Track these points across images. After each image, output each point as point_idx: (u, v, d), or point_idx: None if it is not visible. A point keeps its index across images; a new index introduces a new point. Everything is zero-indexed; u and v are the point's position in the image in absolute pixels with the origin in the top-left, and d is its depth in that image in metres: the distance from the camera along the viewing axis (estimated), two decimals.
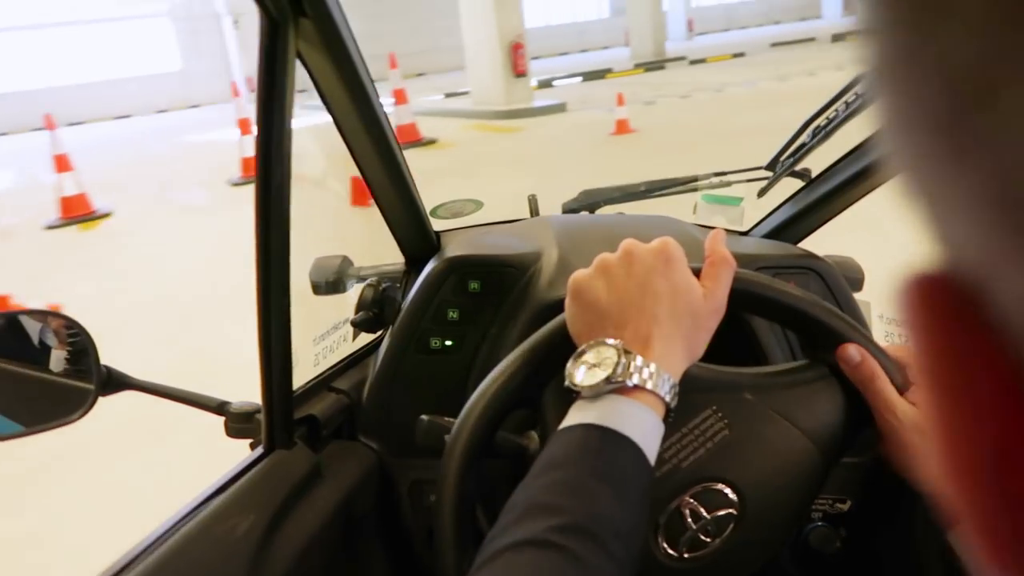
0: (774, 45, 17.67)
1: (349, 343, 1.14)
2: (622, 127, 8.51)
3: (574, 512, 0.51)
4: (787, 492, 0.68)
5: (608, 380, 0.58)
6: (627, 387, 0.58)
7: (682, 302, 0.62)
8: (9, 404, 0.90)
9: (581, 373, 0.59)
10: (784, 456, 0.68)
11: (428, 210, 1.16)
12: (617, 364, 0.58)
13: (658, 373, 0.58)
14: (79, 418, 0.86)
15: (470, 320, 1.01)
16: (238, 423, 0.90)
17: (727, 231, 1.19)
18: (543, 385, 0.71)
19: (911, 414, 0.66)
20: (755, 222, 1.22)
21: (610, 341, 0.60)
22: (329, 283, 1.16)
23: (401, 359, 1.01)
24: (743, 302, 0.70)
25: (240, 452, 0.88)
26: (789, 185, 1.17)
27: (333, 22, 0.76)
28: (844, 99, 1.02)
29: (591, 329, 0.62)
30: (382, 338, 1.07)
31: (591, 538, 0.50)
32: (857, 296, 1.09)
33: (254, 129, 0.74)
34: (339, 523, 0.87)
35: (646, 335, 0.60)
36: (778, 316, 0.73)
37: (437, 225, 1.18)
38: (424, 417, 0.76)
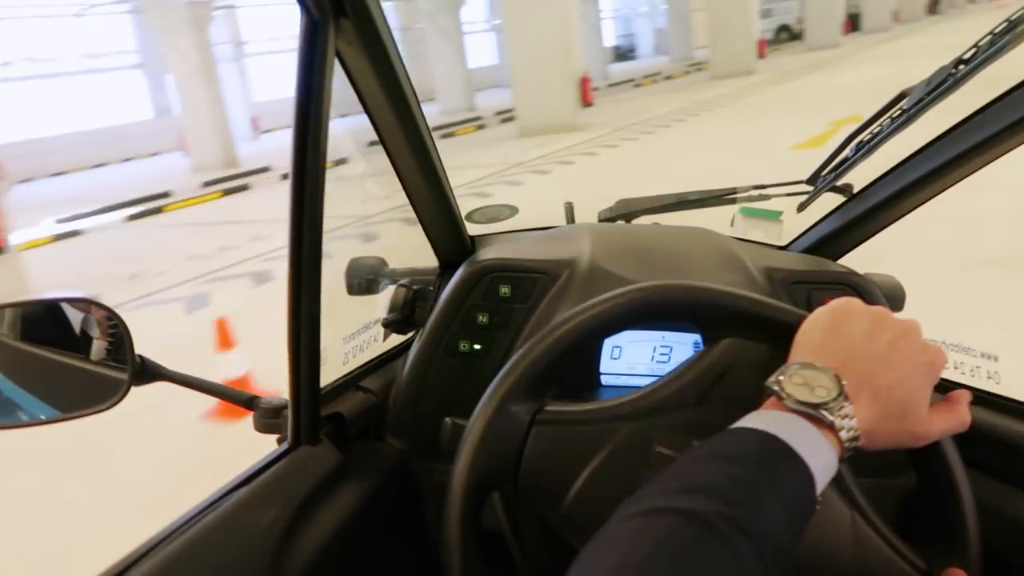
0: (372, 143, 15.57)
1: (380, 343, 1.15)
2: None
3: (743, 507, 0.50)
4: None
5: (817, 407, 0.58)
6: (825, 422, 0.57)
7: (913, 398, 0.61)
8: (45, 390, 0.93)
9: (794, 382, 0.59)
10: None
11: (464, 214, 1.16)
12: (835, 399, 0.58)
13: (855, 431, 0.58)
14: (112, 406, 0.87)
15: (500, 325, 1.01)
16: (266, 418, 0.91)
17: (764, 244, 1.18)
18: (558, 380, 0.70)
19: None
20: (794, 237, 1.19)
21: (840, 378, 0.59)
22: (363, 283, 1.17)
23: (430, 361, 1.02)
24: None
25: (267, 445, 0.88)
26: (830, 200, 1.14)
27: (373, 22, 0.76)
28: (889, 114, 0.99)
29: (828, 353, 0.62)
30: (412, 340, 1.08)
31: (753, 541, 0.49)
32: (898, 315, 1.07)
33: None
34: (362, 521, 0.87)
35: (870, 398, 0.60)
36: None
37: (472, 229, 1.19)
38: (449, 420, 0.76)
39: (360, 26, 0.75)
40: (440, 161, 1.01)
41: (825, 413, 0.57)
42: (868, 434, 0.59)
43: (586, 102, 13.28)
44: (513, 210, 1.32)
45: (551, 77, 12.74)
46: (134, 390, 0.87)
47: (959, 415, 0.64)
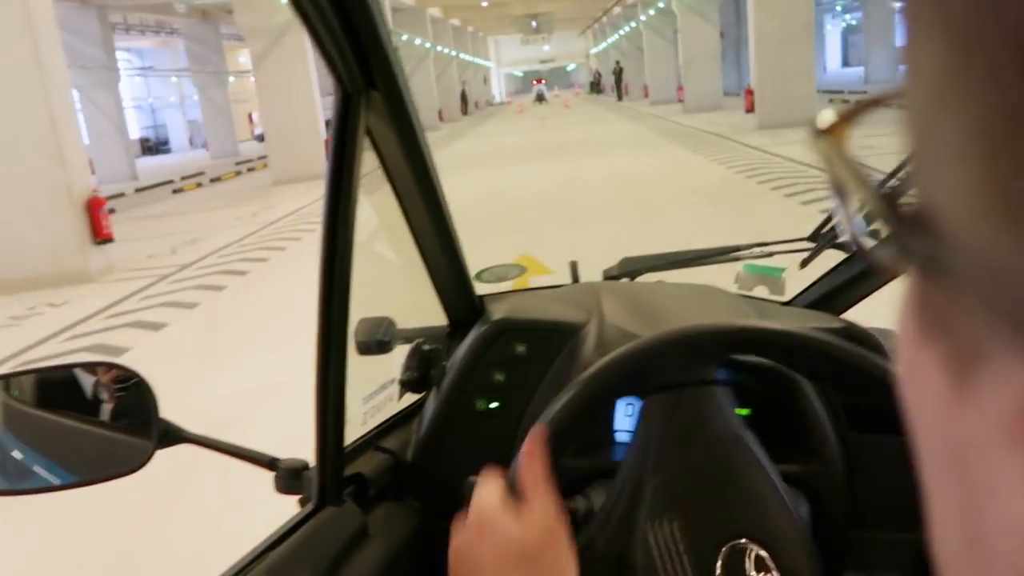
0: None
1: (395, 403, 1.16)
2: None
3: None
4: None
5: None
6: None
7: (509, 563, 0.61)
8: (65, 455, 0.92)
9: None
10: None
11: (473, 274, 1.19)
12: None
13: None
14: (136, 470, 0.87)
15: (517, 383, 1.02)
16: (287, 479, 0.91)
17: (769, 301, 1.20)
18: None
19: None
20: (797, 292, 1.23)
21: None
22: (373, 343, 1.18)
23: (448, 420, 1.02)
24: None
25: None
26: (832, 257, 1.18)
27: (400, 94, 0.80)
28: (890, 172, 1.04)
29: None
30: (426, 398, 1.09)
31: None
32: None
33: None
34: None
35: None
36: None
37: (480, 289, 1.21)
38: (471, 479, 0.77)
39: (388, 99, 0.79)
40: (453, 225, 1.04)
41: None
42: None
43: (100, 236, 8.12)
44: (521, 269, 1.35)
45: (31, 200, 7.65)
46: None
47: (526, 458, 0.65)
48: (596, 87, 49.40)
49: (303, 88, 14.87)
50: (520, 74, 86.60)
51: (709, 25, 22.05)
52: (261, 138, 26.46)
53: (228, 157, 23.97)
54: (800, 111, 14.29)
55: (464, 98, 36.42)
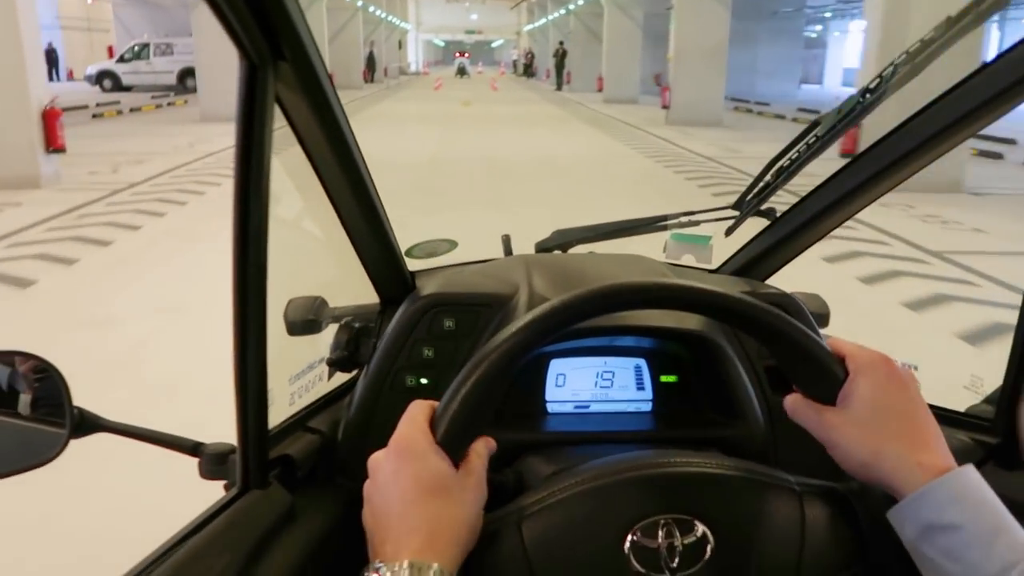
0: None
1: (324, 383, 1.14)
2: None
3: None
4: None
5: None
6: None
7: (427, 489, 0.66)
8: None
9: None
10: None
11: (403, 250, 1.17)
12: None
13: (415, 568, 0.61)
14: (50, 460, 0.84)
15: (446, 358, 1.02)
16: (213, 464, 0.90)
17: (696, 268, 1.22)
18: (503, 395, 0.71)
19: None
20: (723, 260, 1.25)
21: (377, 565, 0.62)
22: (304, 323, 1.16)
23: (377, 398, 1.02)
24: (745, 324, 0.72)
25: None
26: (756, 224, 1.20)
27: (311, 64, 0.77)
28: (805, 140, 1.06)
29: (372, 553, 0.67)
30: (357, 378, 1.08)
31: None
32: (823, 331, 1.12)
33: None
34: (315, 563, 0.86)
35: (396, 541, 0.64)
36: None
37: (412, 265, 1.20)
38: None
39: (298, 69, 0.76)
40: (379, 199, 1.02)
41: None
42: (434, 548, 0.63)
43: (54, 145, 8.81)
44: (452, 244, 1.34)
45: None
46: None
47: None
48: (528, 70, 44.19)
49: None
50: (441, 43, 78.83)
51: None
52: (96, 79, 26.40)
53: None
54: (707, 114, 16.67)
55: (371, 62, 31.76)
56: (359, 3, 28.04)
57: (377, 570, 0.62)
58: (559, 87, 31.04)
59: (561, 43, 31.65)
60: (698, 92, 16.65)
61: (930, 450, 0.67)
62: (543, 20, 40.95)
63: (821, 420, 0.70)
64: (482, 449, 0.71)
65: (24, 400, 0.91)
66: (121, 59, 27.02)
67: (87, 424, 0.86)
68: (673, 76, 16.95)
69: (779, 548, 0.68)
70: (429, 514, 0.65)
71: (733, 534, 0.68)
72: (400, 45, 44.31)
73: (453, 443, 0.68)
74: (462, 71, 44.57)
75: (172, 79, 26.41)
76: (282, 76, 0.76)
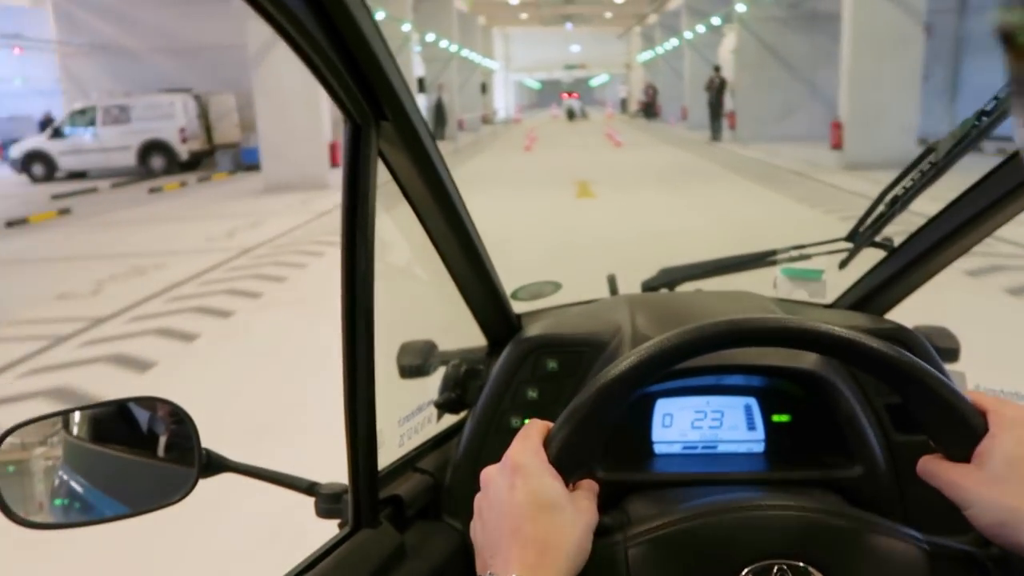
0: None
1: (433, 424, 1.17)
2: None
3: None
4: None
5: None
6: None
7: (539, 507, 0.65)
8: (116, 486, 0.96)
9: None
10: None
11: (509, 293, 1.19)
12: None
13: None
14: (180, 500, 0.90)
15: (550, 399, 1.02)
16: (327, 503, 0.93)
17: (809, 303, 1.18)
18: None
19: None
20: (838, 295, 1.20)
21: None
22: (415, 366, 1.20)
23: (483, 440, 1.03)
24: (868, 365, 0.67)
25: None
26: (871, 256, 1.15)
27: (411, 123, 0.81)
28: (919, 167, 1.01)
29: (481, 566, 0.67)
30: (465, 419, 1.10)
31: None
32: (951, 367, 1.05)
33: None
34: None
35: (508, 554, 0.63)
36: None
37: (518, 307, 1.21)
38: None
39: (400, 128, 0.80)
40: (483, 246, 1.04)
41: None
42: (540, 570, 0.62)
43: None
44: (556, 286, 1.35)
45: None
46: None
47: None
48: (649, 110, 34.75)
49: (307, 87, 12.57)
50: (537, 85, 64.79)
51: None
52: (23, 164, 18.03)
53: None
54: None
55: (440, 113, 23.26)
56: (404, 27, 18.68)
57: None
58: (716, 135, 20.72)
59: (717, 68, 21.48)
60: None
61: None
62: (669, 42, 31.04)
63: (953, 479, 0.65)
64: (591, 482, 0.72)
65: (161, 442, 0.99)
66: (56, 133, 18.40)
67: (214, 464, 0.92)
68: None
69: None
70: (541, 530, 0.64)
71: None
72: (484, 89, 35.18)
73: (566, 464, 0.68)
74: (571, 114, 38.58)
75: (130, 157, 18.21)
76: (384, 134, 0.80)
